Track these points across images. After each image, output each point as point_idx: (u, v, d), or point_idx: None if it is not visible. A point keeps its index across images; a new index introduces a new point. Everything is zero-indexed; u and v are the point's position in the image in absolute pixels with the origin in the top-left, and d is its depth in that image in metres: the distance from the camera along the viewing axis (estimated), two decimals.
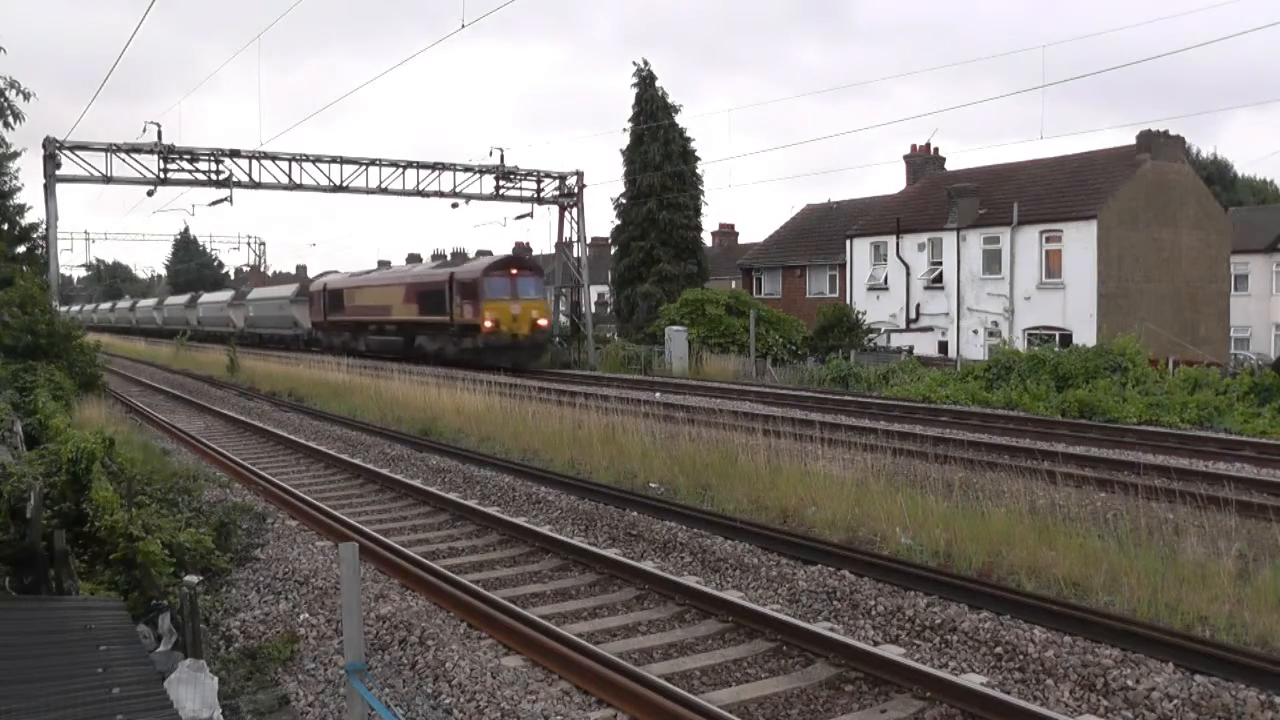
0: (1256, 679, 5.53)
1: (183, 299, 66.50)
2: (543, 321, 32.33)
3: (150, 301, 75.33)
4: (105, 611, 5.25)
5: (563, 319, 39.09)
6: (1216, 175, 59.19)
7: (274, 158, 37.40)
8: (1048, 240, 31.97)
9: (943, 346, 34.51)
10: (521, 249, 54.92)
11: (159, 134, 35.98)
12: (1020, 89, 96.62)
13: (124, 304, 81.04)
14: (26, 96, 17.80)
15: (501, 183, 41.23)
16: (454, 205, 40.44)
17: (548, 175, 42.05)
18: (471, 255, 63.48)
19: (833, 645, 6.25)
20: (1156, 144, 32.29)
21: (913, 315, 35.85)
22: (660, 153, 41.11)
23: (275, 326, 49.05)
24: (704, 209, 42.91)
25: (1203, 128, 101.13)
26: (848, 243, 38.64)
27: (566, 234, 41.78)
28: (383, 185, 39.27)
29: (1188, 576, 6.99)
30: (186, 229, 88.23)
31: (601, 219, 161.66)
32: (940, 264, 34.97)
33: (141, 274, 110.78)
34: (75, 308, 74.34)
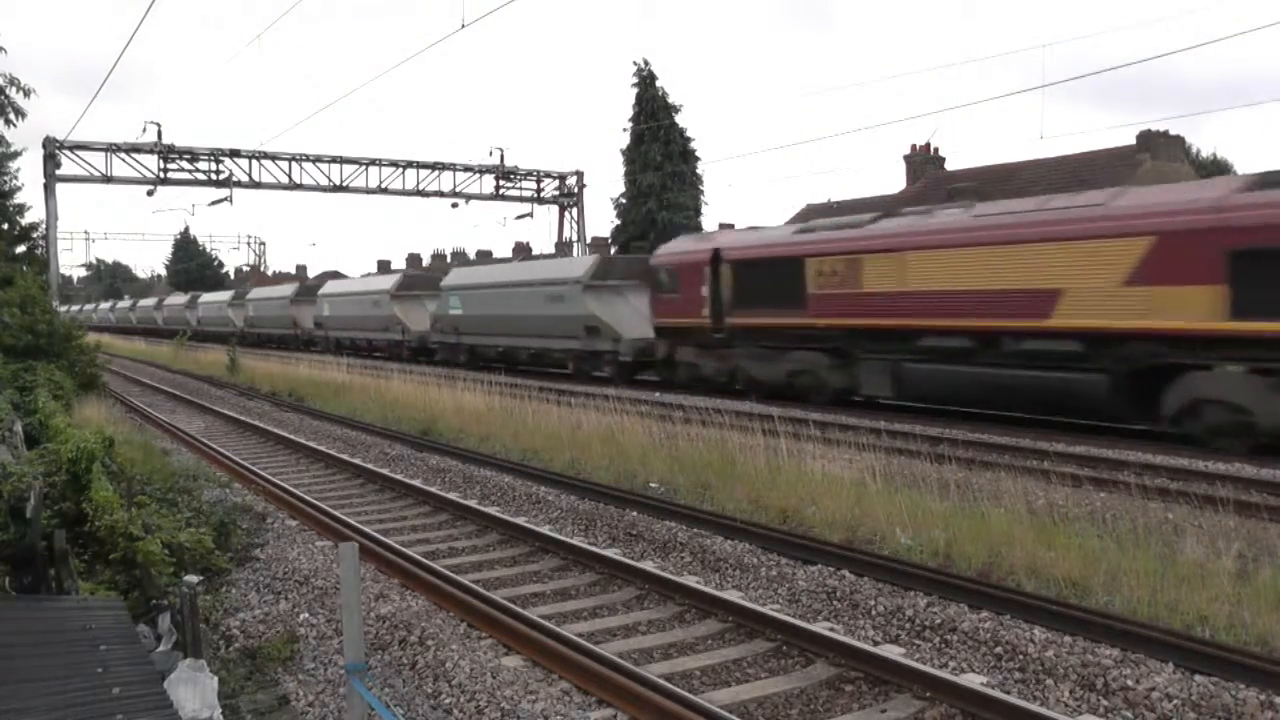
0: (1256, 679, 5.53)
1: (285, 290, 50.26)
2: None
3: (265, 293, 54.74)
4: (105, 611, 5.25)
5: None
6: (1216, 174, 59.21)
7: (274, 157, 37.47)
8: None
9: None
10: (521, 249, 54.54)
11: (159, 134, 36.05)
12: (1020, 89, 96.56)
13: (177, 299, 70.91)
14: (27, 94, 17.86)
15: (501, 183, 41.27)
16: (454, 205, 40.61)
17: (548, 175, 42.08)
18: (471, 256, 62.48)
19: (833, 645, 6.25)
20: (1156, 143, 32.31)
21: None
22: (660, 152, 41.18)
23: (548, 332, 28.14)
24: (704, 208, 42.95)
25: (1200, 128, 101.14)
26: None
27: (566, 234, 41.77)
28: (383, 185, 39.36)
29: (1187, 576, 6.99)
30: (187, 229, 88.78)
31: (601, 219, 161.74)
32: None
33: (141, 274, 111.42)
34: (77, 307, 76.14)
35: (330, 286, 44.12)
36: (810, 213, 46.42)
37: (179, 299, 65.78)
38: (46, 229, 31.61)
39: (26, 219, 27.76)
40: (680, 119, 42.39)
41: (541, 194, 41.92)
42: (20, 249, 25.93)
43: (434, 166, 39.62)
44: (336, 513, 10.18)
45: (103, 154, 35.06)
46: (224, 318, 53.40)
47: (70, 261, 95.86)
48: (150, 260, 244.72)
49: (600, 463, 12.64)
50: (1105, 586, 7.18)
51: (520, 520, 9.97)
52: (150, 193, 36.84)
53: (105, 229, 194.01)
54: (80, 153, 34.86)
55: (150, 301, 73.42)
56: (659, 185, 40.92)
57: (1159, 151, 32.24)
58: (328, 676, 6.11)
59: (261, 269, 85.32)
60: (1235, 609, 6.54)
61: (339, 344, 40.32)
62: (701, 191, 43.24)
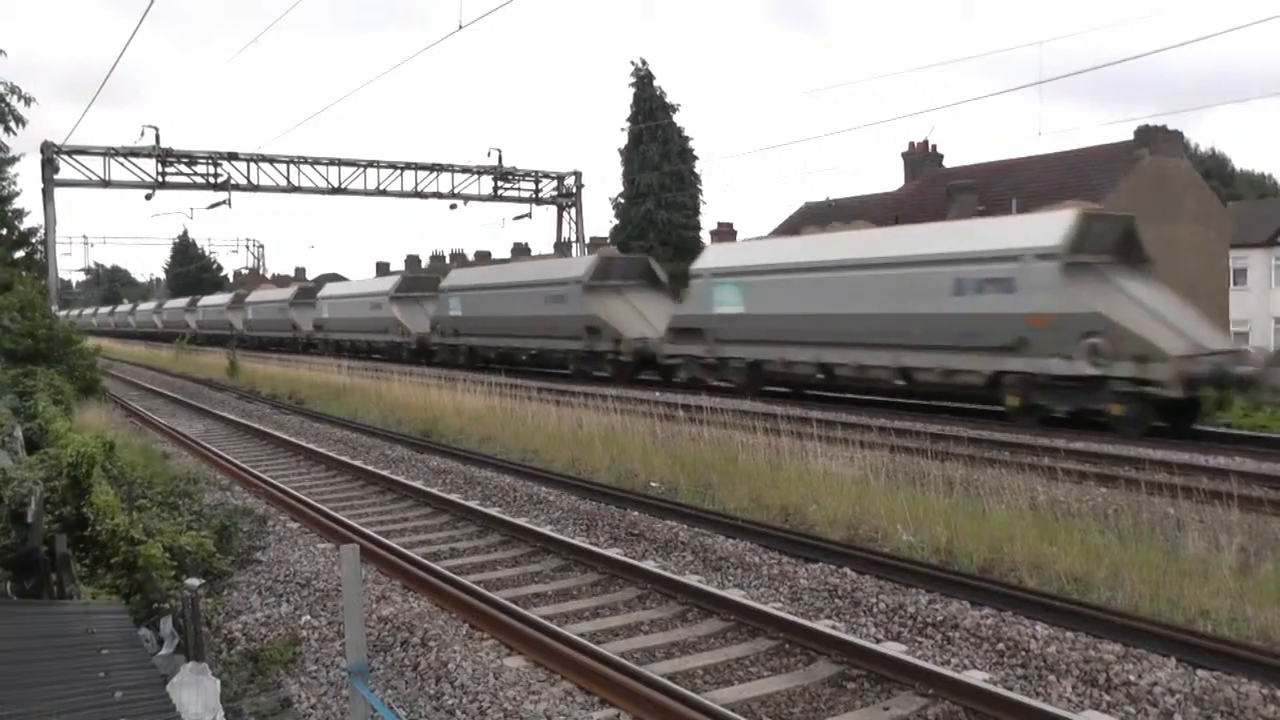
0: (1259, 673, 5.53)
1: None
2: None
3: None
4: (107, 615, 5.25)
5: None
6: (1215, 170, 59.24)
7: (272, 160, 37.48)
8: None
9: None
10: (520, 250, 54.68)
11: (157, 137, 36.05)
12: (1017, 86, 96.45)
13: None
14: (28, 102, 17.85)
15: (500, 183, 41.27)
16: (452, 206, 40.62)
17: (546, 176, 42.07)
18: (470, 257, 63.91)
19: (835, 643, 6.25)
20: (1155, 139, 32.27)
21: None
22: (659, 152, 41.16)
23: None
24: (703, 208, 42.92)
25: (1195, 124, 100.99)
26: None
27: (565, 234, 41.79)
28: (381, 187, 39.37)
29: (1189, 571, 6.99)
30: (185, 232, 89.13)
31: (600, 219, 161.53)
32: None
33: (140, 278, 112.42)
34: (76, 311, 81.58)
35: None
36: (809, 212, 46.41)
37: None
38: (45, 233, 31.64)
39: (25, 224, 27.79)
40: (678, 118, 42.41)
41: (540, 194, 41.92)
42: (19, 254, 25.93)
43: (432, 168, 39.63)
44: (338, 515, 10.18)
45: (101, 158, 35.08)
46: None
47: (69, 266, 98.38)
48: (149, 264, 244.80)
49: (601, 463, 12.63)
50: (1107, 582, 7.18)
51: (521, 521, 9.97)
52: (149, 196, 36.82)
53: (104, 233, 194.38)
54: (78, 157, 34.87)
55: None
56: (657, 185, 40.88)
57: (1158, 147, 32.18)
58: (330, 678, 6.11)
59: (260, 272, 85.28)
60: (1237, 603, 6.53)
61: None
62: (700, 191, 43.24)
